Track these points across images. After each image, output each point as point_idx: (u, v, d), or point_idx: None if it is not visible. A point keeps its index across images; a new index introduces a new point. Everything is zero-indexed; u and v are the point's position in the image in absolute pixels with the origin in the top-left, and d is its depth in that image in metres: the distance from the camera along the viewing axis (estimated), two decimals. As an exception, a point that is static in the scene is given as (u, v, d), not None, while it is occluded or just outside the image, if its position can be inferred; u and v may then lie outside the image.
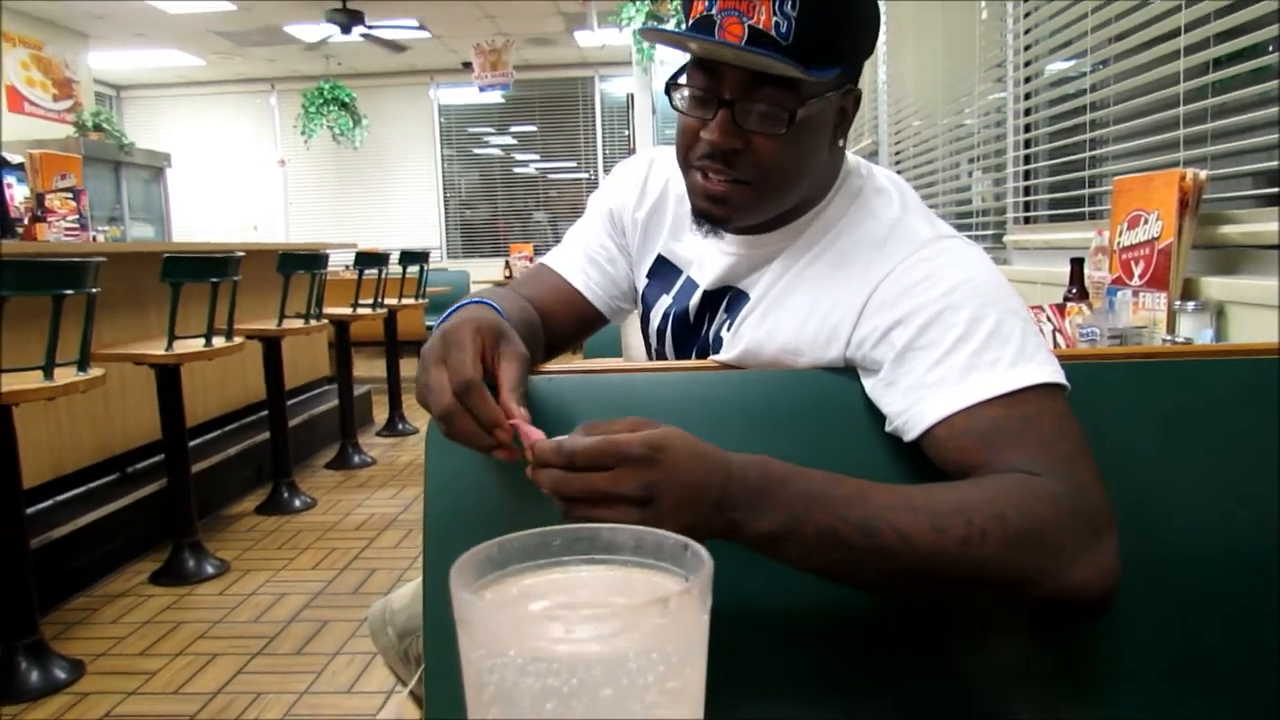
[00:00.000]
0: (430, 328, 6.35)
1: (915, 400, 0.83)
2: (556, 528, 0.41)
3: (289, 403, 4.19)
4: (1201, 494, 0.87)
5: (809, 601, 0.85)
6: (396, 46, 7.85)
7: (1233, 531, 0.86)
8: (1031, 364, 0.81)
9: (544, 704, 0.33)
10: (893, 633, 0.87)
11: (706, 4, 0.86)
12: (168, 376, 3.15)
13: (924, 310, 0.84)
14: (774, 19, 0.84)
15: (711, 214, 0.94)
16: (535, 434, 0.71)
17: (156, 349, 3.11)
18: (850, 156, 1.04)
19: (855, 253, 0.94)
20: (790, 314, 0.95)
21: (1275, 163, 1.70)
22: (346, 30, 7.23)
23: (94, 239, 4.66)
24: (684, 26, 0.91)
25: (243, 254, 3.48)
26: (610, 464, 0.67)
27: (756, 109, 0.88)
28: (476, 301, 0.91)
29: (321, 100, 8.69)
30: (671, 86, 0.94)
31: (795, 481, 0.72)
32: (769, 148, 0.90)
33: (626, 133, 9.33)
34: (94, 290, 2.60)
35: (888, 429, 0.86)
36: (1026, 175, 2.86)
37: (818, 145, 0.94)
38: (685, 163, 0.96)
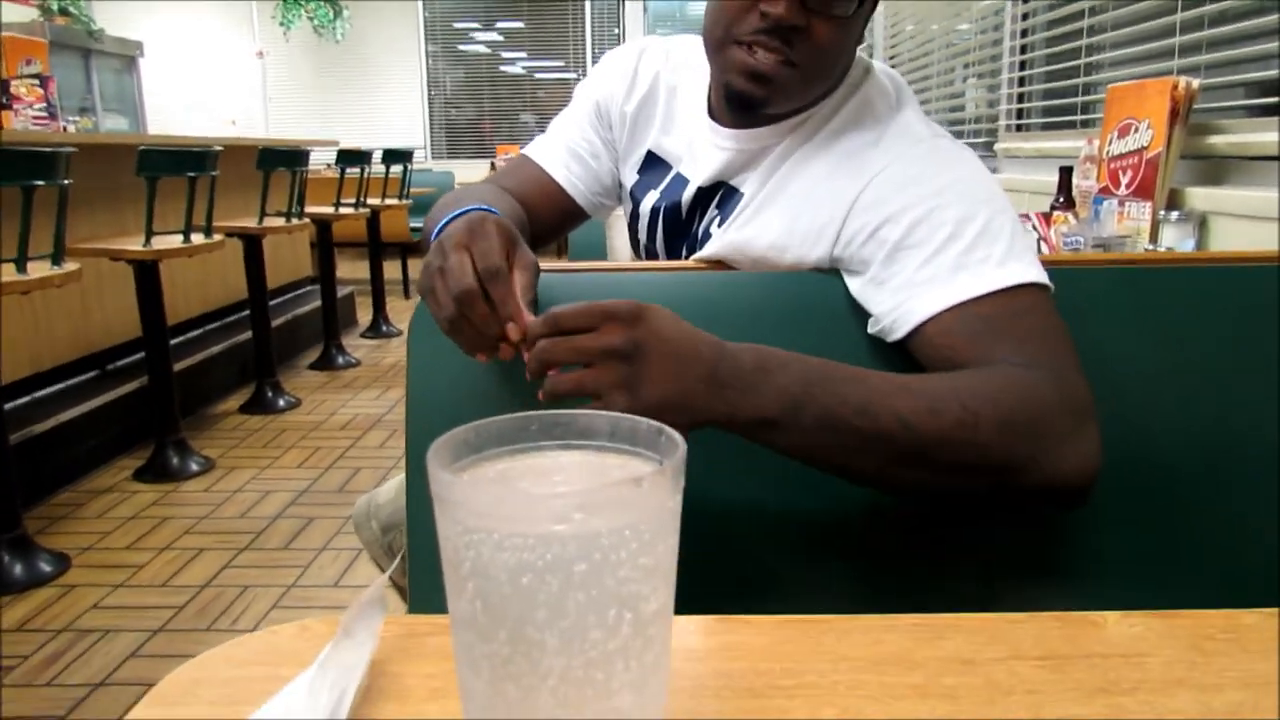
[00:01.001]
0: (415, 229, 6.29)
1: (905, 299, 0.82)
2: (534, 413, 0.41)
3: (272, 303, 4.16)
4: (1178, 394, 0.88)
5: (791, 503, 0.87)
6: None
7: (1208, 429, 0.88)
8: (1020, 263, 0.81)
9: (520, 578, 0.34)
10: (874, 526, 0.89)
11: None
12: (146, 273, 3.12)
13: (914, 208, 0.84)
14: None
15: (753, 95, 0.91)
16: None
17: (134, 245, 3.07)
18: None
19: (850, 149, 0.93)
20: (781, 210, 0.94)
21: (1272, 72, 1.68)
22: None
23: (64, 129, 4.53)
24: None
25: (221, 149, 3.40)
26: (596, 324, 0.68)
27: None
28: (479, 208, 0.87)
29: (300, -11, 8.39)
30: None
31: (793, 364, 0.72)
32: (829, 31, 0.87)
33: (616, 31, 9.08)
34: (66, 182, 2.55)
35: (872, 330, 0.86)
36: (1021, 82, 2.81)
37: (860, 32, 0.93)
38: (728, 38, 0.90)
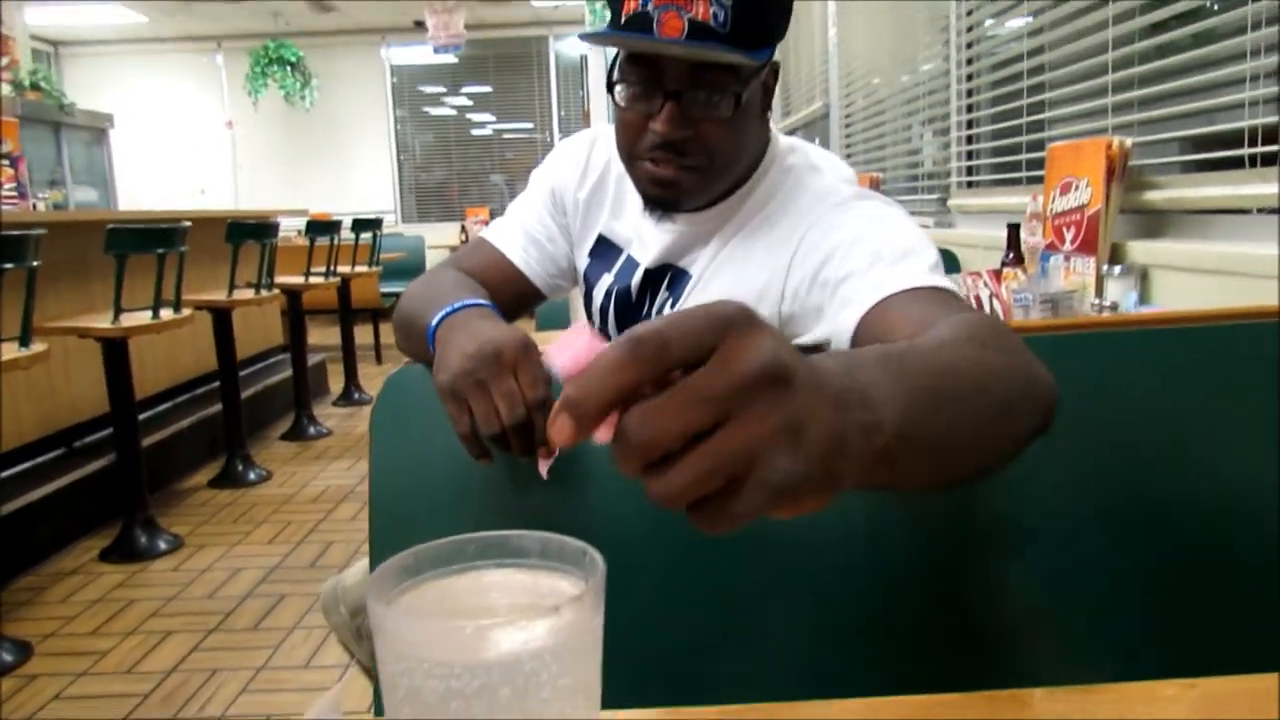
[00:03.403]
0: (386, 295, 6.31)
1: (847, 302, 0.86)
2: (471, 535, 0.43)
3: (242, 373, 4.16)
4: (1143, 454, 0.88)
5: (733, 580, 0.88)
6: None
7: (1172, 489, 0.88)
8: (947, 281, 0.85)
9: (449, 704, 0.36)
10: (823, 603, 0.90)
11: (640, 0, 0.88)
12: (114, 350, 3.11)
13: (846, 243, 0.90)
14: (711, 9, 0.88)
15: (665, 199, 0.99)
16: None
17: (102, 322, 3.07)
18: (785, 138, 1.08)
19: (779, 219, 1.00)
20: (725, 285, 1.01)
21: (1199, 130, 1.76)
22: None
23: (34, 206, 4.55)
24: (609, 20, 0.93)
25: (190, 223, 3.42)
26: (705, 351, 0.39)
27: (702, 97, 0.93)
28: (477, 303, 0.91)
29: (269, 60, 8.49)
30: (610, 86, 0.96)
31: (855, 353, 0.53)
32: (717, 132, 0.94)
33: (581, 93, 9.24)
34: (35, 264, 2.55)
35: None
36: (969, 140, 2.90)
37: (755, 121, 1.00)
38: (632, 155, 0.99)
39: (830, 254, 0.91)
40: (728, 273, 1.01)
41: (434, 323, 0.87)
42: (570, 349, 0.41)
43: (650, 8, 0.88)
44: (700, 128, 0.93)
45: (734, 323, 0.39)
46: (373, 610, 0.37)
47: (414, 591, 0.42)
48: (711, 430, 0.38)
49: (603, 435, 0.39)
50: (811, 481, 0.39)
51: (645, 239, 1.09)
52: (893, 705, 0.57)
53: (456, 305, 0.88)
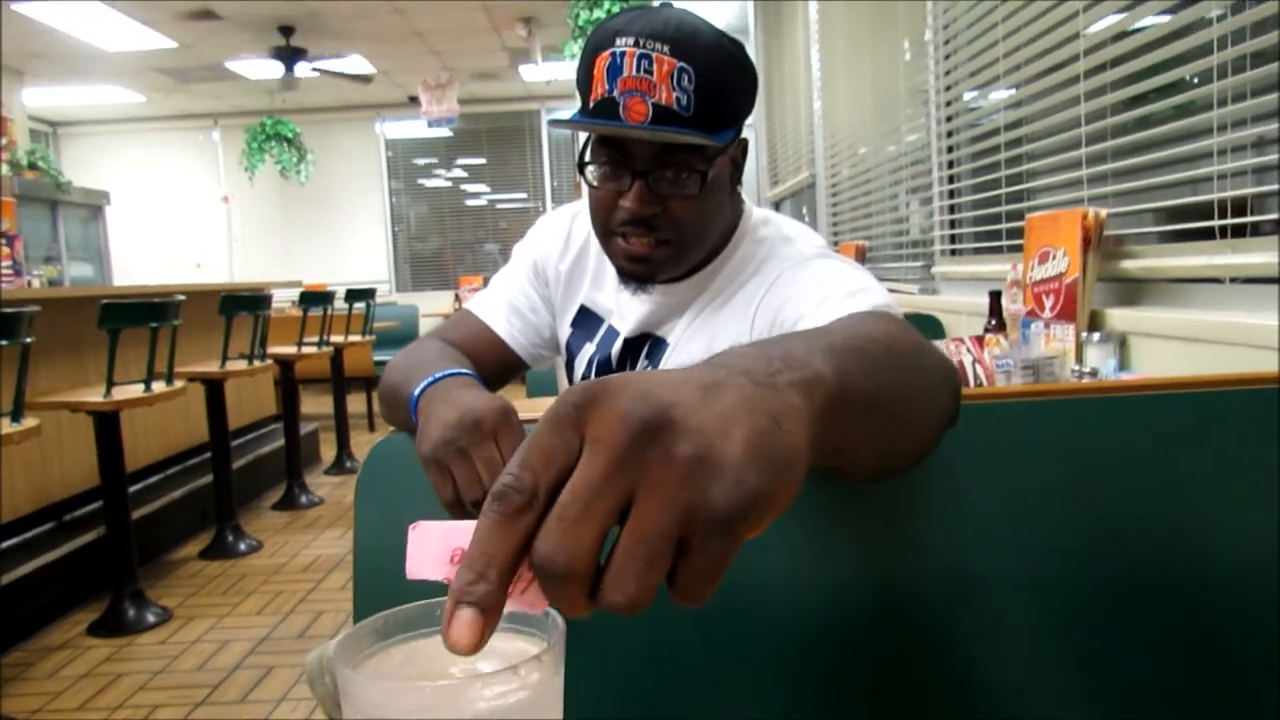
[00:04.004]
0: (379, 363, 6.34)
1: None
2: (440, 599, 0.45)
3: (234, 443, 4.16)
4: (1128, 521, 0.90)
5: (713, 634, 0.89)
6: (362, 79, 7.85)
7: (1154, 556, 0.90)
8: (898, 312, 0.87)
9: (412, 764, 0.37)
10: (807, 654, 0.90)
11: (607, 87, 0.93)
12: (106, 423, 3.12)
13: (799, 293, 0.95)
14: (674, 94, 0.92)
15: (638, 274, 1.04)
16: None
17: (94, 396, 3.08)
18: (758, 210, 1.12)
19: (748, 282, 1.05)
20: (700, 349, 1.05)
21: (1168, 202, 1.81)
22: (290, 68, 7.23)
23: (29, 283, 4.60)
24: (580, 105, 0.98)
25: (183, 297, 3.46)
26: (549, 451, 0.37)
27: (669, 175, 0.97)
28: (460, 372, 0.93)
29: (265, 136, 8.66)
30: (581, 166, 1.00)
31: (764, 339, 0.51)
32: (685, 208, 0.99)
33: (573, 164, 9.41)
34: (28, 340, 2.58)
35: None
36: (952, 209, 2.96)
37: (723, 196, 1.04)
38: (606, 230, 1.03)
39: (785, 303, 0.96)
40: (701, 338, 1.06)
41: (416, 393, 0.89)
42: (421, 551, 0.39)
43: (616, 94, 0.93)
44: (668, 204, 0.98)
45: (579, 405, 0.36)
46: (338, 673, 0.39)
47: (382, 654, 0.43)
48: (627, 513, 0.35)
49: (534, 605, 0.36)
50: (761, 488, 0.36)
51: (624, 310, 1.13)
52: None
53: (438, 375, 0.90)
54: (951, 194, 2.94)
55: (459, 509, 0.80)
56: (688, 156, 0.97)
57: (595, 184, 1.00)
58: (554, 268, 1.21)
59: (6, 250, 4.04)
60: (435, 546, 0.39)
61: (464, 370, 0.94)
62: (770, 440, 0.37)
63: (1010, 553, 0.86)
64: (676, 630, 0.86)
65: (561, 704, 0.41)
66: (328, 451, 5.68)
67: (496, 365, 1.20)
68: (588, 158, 1.00)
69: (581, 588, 0.35)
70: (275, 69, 7.34)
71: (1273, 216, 1.51)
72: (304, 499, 4.67)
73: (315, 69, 7.36)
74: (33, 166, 7.48)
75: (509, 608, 0.36)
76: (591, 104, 0.95)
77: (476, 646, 0.35)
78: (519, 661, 0.38)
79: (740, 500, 0.35)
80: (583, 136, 1.05)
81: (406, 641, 0.44)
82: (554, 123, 1.03)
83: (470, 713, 0.37)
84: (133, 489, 3.46)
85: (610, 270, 1.15)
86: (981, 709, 0.88)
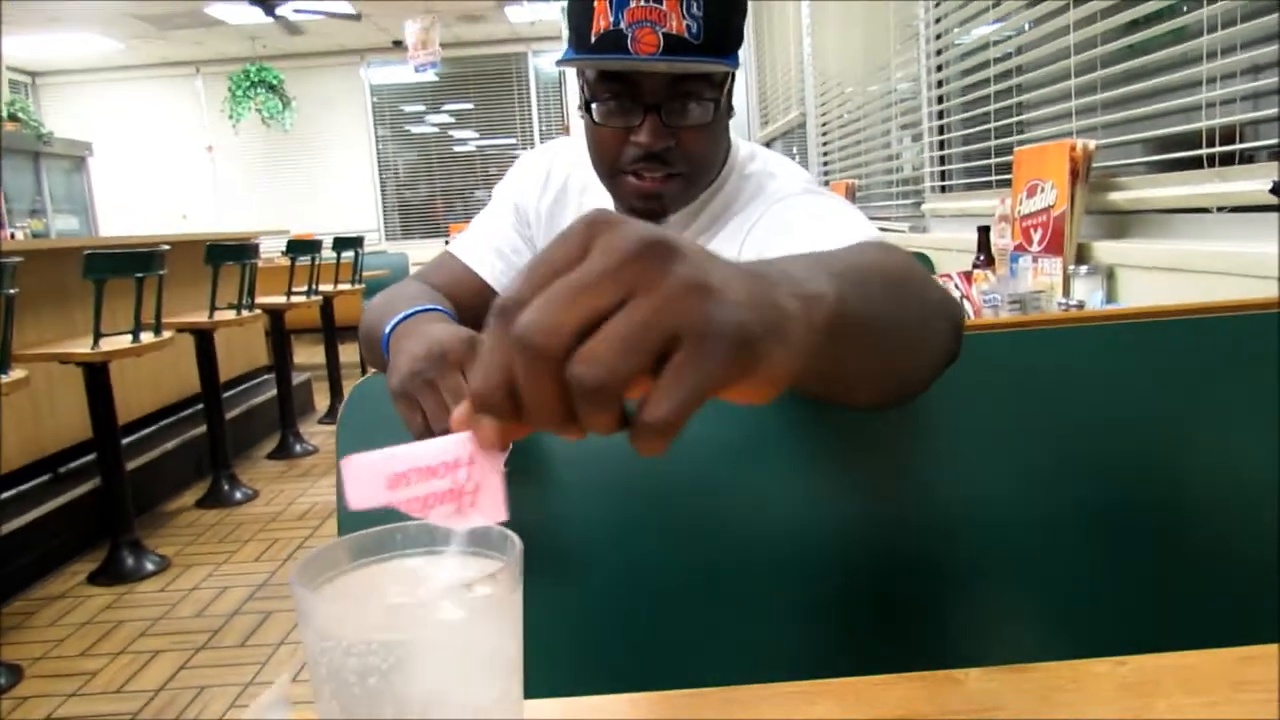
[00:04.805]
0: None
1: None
2: (399, 524, 0.45)
3: (227, 394, 4.16)
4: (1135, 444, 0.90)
5: (700, 559, 0.90)
6: (351, 17, 7.68)
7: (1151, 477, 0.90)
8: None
9: (367, 679, 0.37)
10: (791, 582, 0.91)
11: (612, 19, 0.90)
12: (95, 375, 3.11)
13: (786, 227, 0.93)
14: (685, 22, 0.90)
15: (652, 211, 1.00)
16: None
17: (82, 347, 3.07)
18: (745, 144, 1.11)
19: (735, 218, 1.04)
20: None
21: (1159, 132, 1.79)
22: (270, 12, 7.09)
23: (13, 235, 4.56)
24: (574, 41, 0.95)
25: (168, 247, 3.43)
26: (613, 287, 0.35)
27: (680, 107, 0.95)
28: (432, 308, 0.92)
29: (249, 83, 8.52)
30: (588, 104, 0.98)
31: (778, 260, 0.49)
32: (698, 138, 0.97)
33: (561, 106, 9.30)
34: (12, 291, 2.56)
35: None
36: (941, 145, 2.93)
37: (727, 124, 1.03)
38: (613, 170, 1.00)
39: (770, 237, 0.94)
40: None
41: (387, 331, 0.88)
42: (358, 482, 0.39)
43: (623, 26, 0.90)
44: (681, 136, 0.96)
45: (590, 223, 0.36)
46: (295, 594, 0.39)
47: (341, 579, 0.43)
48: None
49: (490, 513, 0.38)
50: (755, 331, 0.35)
51: None
52: (828, 687, 0.58)
53: (408, 313, 0.89)
54: (941, 130, 2.91)
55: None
56: (699, 86, 0.94)
57: (601, 121, 0.97)
58: (534, 208, 1.19)
59: (-13, 202, 3.98)
60: (370, 475, 0.39)
61: (435, 306, 0.93)
62: (769, 306, 0.37)
63: (1002, 481, 0.86)
64: (654, 553, 0.86)
65: (520, 622, 0.41)
66: (321, 401, 5.69)
67: (480, 307, 1.19)
68: (589, 94, 0.97)
69: (551, 365, 0.34)
70: (256, 13, 7.20)
71: (1270, 143, 1.49)
72: (298, 448, 4.69)
73: (297, 10, 7.21)
74: (13, 118, 7.37)
75: (462, 524, 0.36)
76: (594, 38, 0.92)
77: (498, 443, 0.37)
78: (474, 579, 0.38)
79: (736, 328, 0.34)
80: (574, 75, 1.02)
81: (365, 567, 0.44)
82: (561, 62, 0.99)
83: (425, 629, 0.37)
84: (126, 440, 3.46)
85: (591, 207, 1.14)
86: (968, 633, 0.89)
